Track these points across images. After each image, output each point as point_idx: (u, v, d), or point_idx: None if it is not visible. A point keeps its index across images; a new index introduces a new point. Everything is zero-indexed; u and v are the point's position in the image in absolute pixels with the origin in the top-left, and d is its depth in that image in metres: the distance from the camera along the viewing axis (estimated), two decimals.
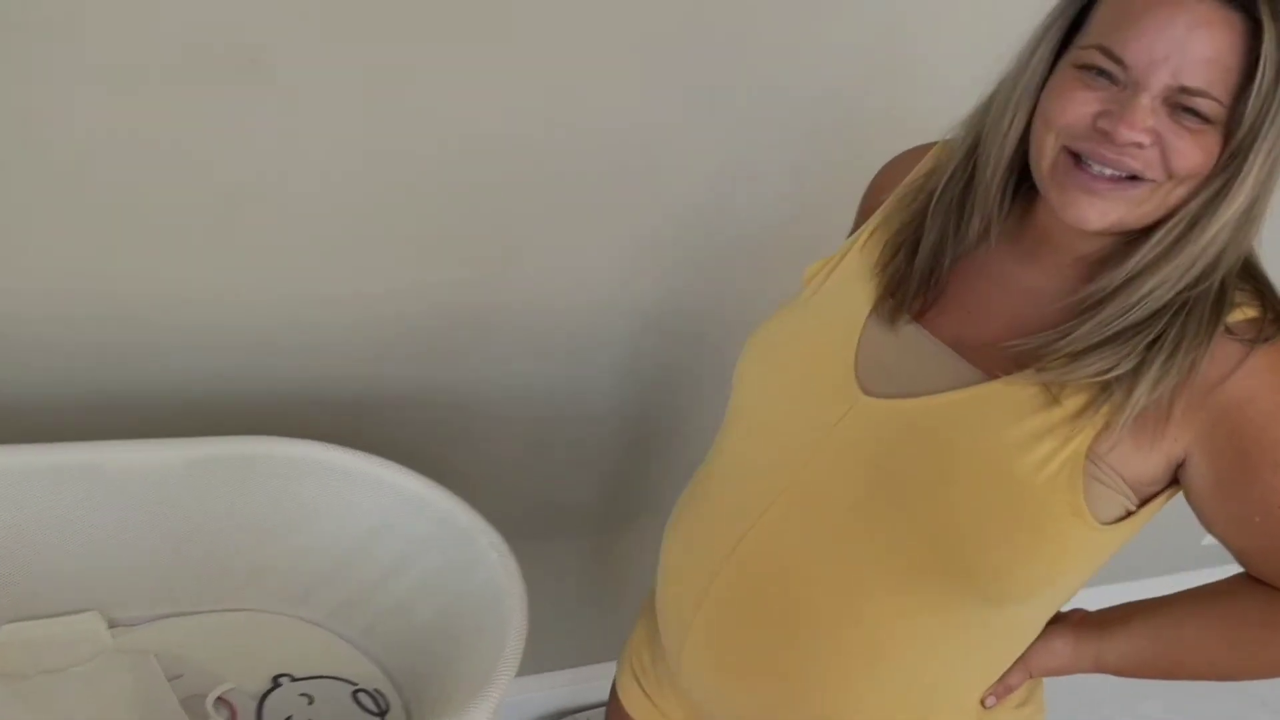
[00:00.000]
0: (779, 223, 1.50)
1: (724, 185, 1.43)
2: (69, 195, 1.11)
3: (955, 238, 0.90)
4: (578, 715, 1.91)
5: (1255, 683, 0.93)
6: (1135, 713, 1.92)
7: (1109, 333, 0.81)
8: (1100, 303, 0.82)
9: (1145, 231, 0.81)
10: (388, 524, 1.18)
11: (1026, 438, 0.81)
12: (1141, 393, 0.79)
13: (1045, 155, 0.81)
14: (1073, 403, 0.81)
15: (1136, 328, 0.80)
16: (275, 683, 1.16)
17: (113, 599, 1.16)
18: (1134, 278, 0.80)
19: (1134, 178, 0.78)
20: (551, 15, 1.20)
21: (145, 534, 1.14)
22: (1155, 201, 0.79)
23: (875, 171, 1.05)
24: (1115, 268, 0.81)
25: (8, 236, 1.11)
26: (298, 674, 1.17)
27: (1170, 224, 0.79)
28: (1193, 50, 0.74)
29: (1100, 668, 0.96)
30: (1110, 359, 0.80)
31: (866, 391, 0.89)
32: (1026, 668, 0.96)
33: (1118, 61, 0.77)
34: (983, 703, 0.96)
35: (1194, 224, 0.79)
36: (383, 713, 1.16)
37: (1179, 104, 0.76)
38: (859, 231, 0.99)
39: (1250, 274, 0.84)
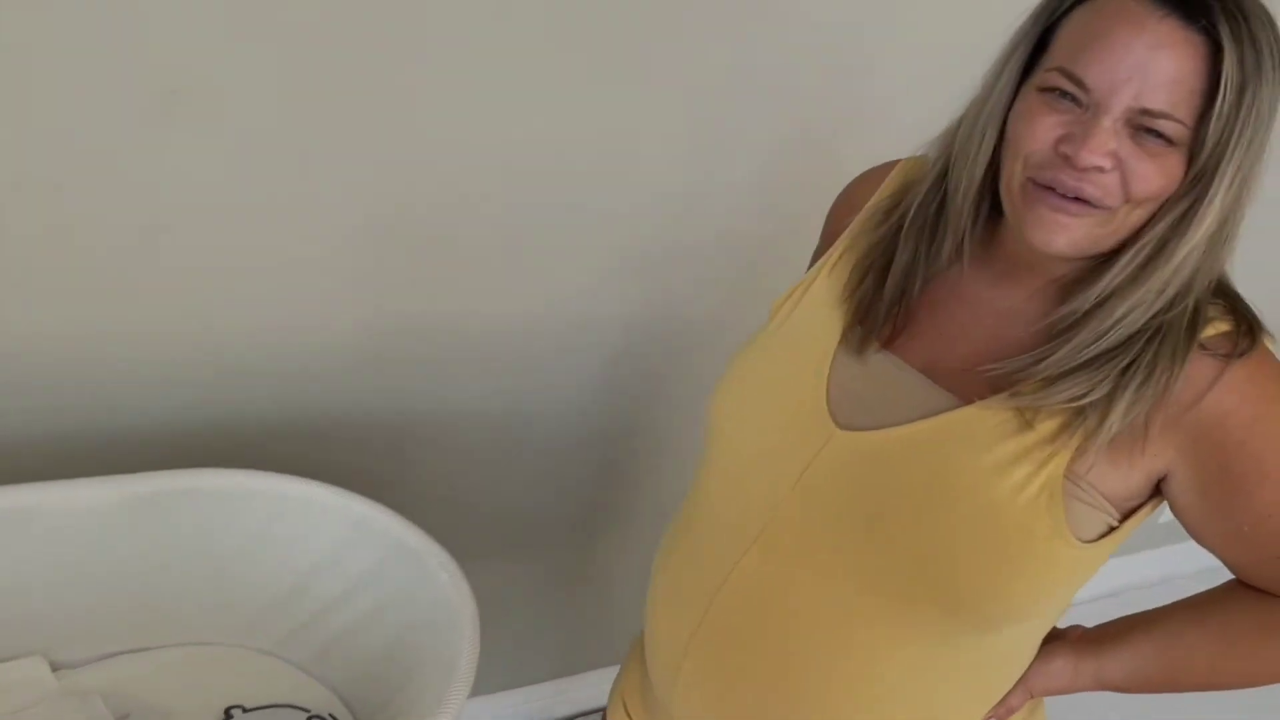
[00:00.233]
0: (747, 241, 1.51)
1: (691, 200, 1.43)
2: None
3: (928, 259, 0.89)
4: None
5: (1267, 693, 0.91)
6: None
7: (1083, 358, 0.80)
8: (1073, 327, 0.81)
9: (1116, 254, 0.81)
10: (335, 549, 1.18)
11: (1003, 462, 0.81)
12: (1115, 418, 0.79)
13: (1013, 181, 0.81)
14: (1046, 427, 0.81)
15: (1110, 353, 0.80)
16: (227, 715, 1.15)
17: (55, 641, 1.14)
18: (1105, 301, 0.80)
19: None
20: (516, 36, 1.20)
21: (85, 574, 1.13)
22: (1116, 224, 0.79)
23: (845, 183, 1.03)
24: (1087, 289, 0.81)
25: None
26: (250, 705, 1.16)
27: (1138, 246, 0.79)
28: (1154, 72, 0.74)
29: (1102, 685, 0.96)
30: (1084, 385, 0.80)
31: (840, 424, 0.87)
32: (1027, 688, 0.95)
33: (1079, 84, 0.76)
34: None
35: (1162, 247, 0.78)
36: None
37: (1141, 125, 0.75)
38: (825, 257, 0.97)
39: (1220, 289, 0.83)
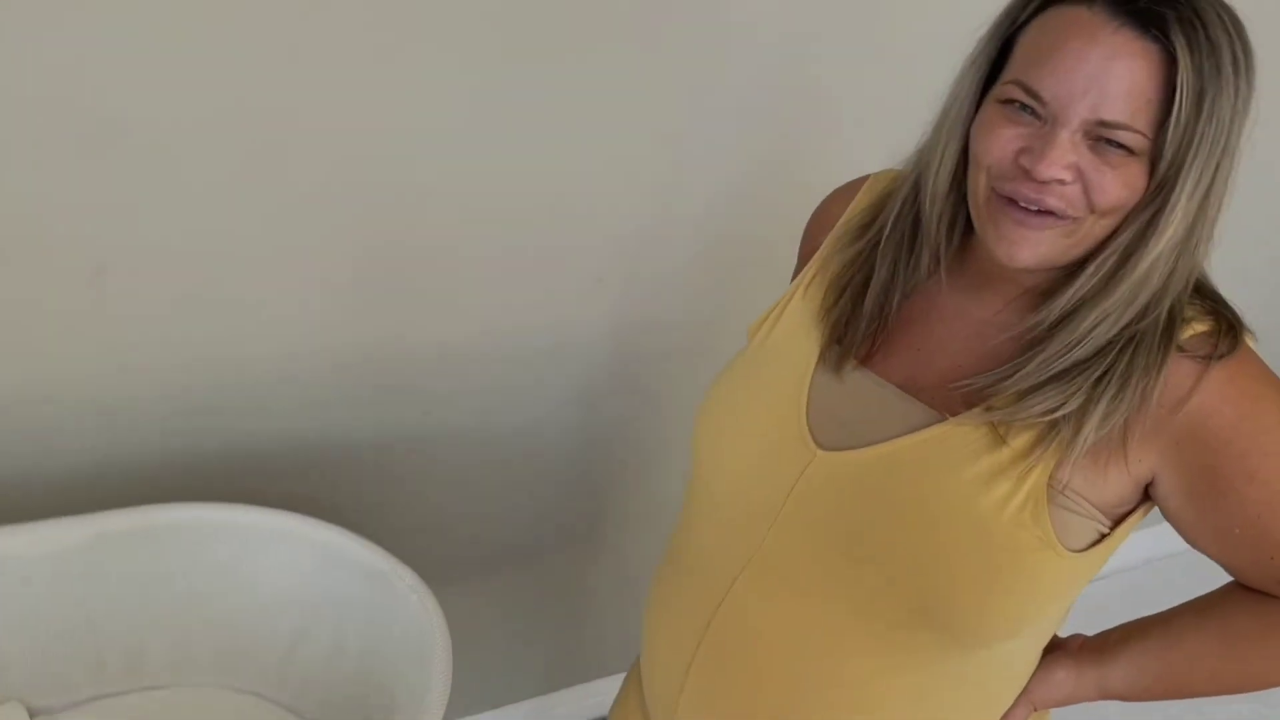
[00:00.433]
0: (724, 260, 1.52)
1: (665, 214, 1.44)
2: None
3: (906, 273, 0.88)
4: None
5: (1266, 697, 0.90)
6: None
7: (1054, 370, 0.80)
8: (1044, 338, 0.81)
9: (1084, 264, 0.80)
10: (305, 579, 1.17)
11: (983, 477, 0.80)
12: (1089, 430, 0.78)
13: (978, 193, 0.81)
14: (1020, 441, 0.80)
15: (1083, 364, 0.79)
16: None
17: (32, 687, 1.14)
18: (1074, 311, 0.80)
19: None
20: (484, 67, 1.21)
21: (57, 617, 1.12)
22: (1083, 234, 0.78)
23: (819, 200, 1.03)
24: (1054, 300, 0.81)
25: None
26: None
27: (1103, 257, 0.79)
28: (1110, 83, 0.73)
29: (1105, 694, 0.94)
30: (1056, 398, 0.79)
31: (821, 445, 0.87)
32: (1030, 701, 0.94)
33: (1036, 97, 0.76)
34: None
35: (1127, 257, 0.78)
36: None
37: (1100, 137, 0.75)
38: (799, 278, 0.97)
39: (1199, 290, 0.83)
